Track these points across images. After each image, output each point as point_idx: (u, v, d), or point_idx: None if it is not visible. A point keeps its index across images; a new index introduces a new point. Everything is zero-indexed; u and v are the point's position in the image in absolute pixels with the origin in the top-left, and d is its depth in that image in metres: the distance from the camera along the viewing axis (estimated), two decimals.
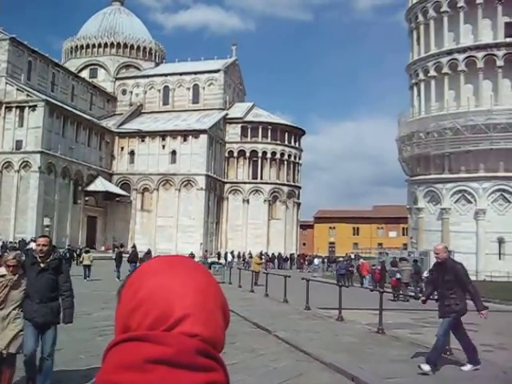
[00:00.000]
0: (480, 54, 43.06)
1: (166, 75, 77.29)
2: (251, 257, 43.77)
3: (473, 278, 37.92)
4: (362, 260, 36.85)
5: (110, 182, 65.80)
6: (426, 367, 7.74)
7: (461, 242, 41.74)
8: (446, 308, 8.18)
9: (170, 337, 0.78)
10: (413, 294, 23.24)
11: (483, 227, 42.50)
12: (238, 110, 74.53)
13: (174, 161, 66.21)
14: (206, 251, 51.49)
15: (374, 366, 8.18)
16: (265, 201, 71.22)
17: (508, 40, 42.84)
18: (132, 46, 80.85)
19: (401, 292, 22.99)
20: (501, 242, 42.36)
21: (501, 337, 13.18)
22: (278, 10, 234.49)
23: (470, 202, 43.58)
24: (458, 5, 44.06)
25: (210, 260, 41.19)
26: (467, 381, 7.62)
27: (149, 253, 34.43)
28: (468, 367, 8.15)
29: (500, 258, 42.25)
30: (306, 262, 57.02)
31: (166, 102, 76.52)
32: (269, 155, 71.98)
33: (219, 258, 54.21)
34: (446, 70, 44.66)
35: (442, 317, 8.27)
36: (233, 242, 68.45)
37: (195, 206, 64.45)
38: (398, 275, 24.43)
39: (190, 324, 0.81)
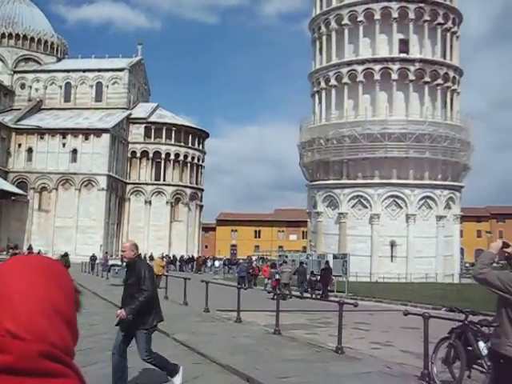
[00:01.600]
0: (377, 67, 45.23)
1: (68, 71, 74.50)
2: (152, 259, 43.26)
3: (367, 279, 39.40)
4: (255, 262, 40.38)
5: (6, 180, 62.57)
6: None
7: (357, 245, 43.60)
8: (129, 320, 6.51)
9: (9, 343, 0.74)
10: (298, 293, 25.57)
11: (377, 231, 44.59)
12: (142, 110, 73.44)
13: (74, 160, 64.17)
14: (107, 253, 50.41)
15: (269, 366, 8.37)
16: (167, 202, 70.69)
17: (402, 55, 45.40)
18: (32, 39, 77.04)
19: (278, 291, 23.95)
20: (393, 245, 44.66)
21: (388, 334, 13.96)
22: (184, 11, 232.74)
23: (365, 207, 45.55)
24: (358, 19, 46.06)
25: (110, 262, 40.36)
26: (356, 377, 7.98)
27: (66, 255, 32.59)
28: (178, 380, 7.07)
29: (392, 261, 44.50)
30: (205, 265, 57.43)
31: (67, 99, 73.85)
32: (172, 157, 71.62)
33: (122, 261, 53.16)
34: (345, 79, 46.46)
35: (126, 330, 6.67)
36: None
37: (96, 206, 62.82)
38: (277, 276, 26.43)
39: (23, 329, 0.77)
